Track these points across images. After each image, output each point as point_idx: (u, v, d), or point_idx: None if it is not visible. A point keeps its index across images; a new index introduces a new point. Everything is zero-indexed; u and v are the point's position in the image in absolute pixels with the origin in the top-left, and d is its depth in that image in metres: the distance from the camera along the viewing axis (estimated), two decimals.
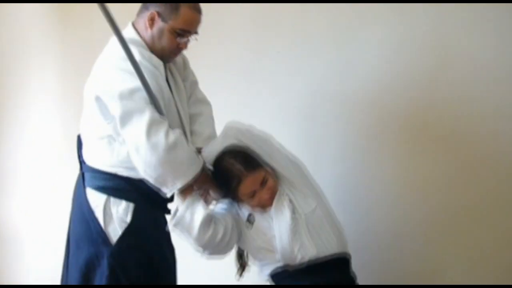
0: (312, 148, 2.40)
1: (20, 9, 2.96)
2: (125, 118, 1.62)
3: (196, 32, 1.78)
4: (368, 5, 2.21)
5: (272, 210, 1.68)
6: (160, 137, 1.59)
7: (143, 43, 1.76)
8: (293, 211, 1.66)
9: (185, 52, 1.91)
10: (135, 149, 1.62)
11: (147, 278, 1.79)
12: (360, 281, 2.33)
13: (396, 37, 2.19)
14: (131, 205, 1.75)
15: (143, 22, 1.75)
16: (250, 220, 1.72)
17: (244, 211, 1.75)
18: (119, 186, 1.75)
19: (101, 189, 1.78)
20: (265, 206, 1.70)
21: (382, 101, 2.23)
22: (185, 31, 1.74)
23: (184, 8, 1.71)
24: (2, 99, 3.07)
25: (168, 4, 1.71)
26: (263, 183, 1.67)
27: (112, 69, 1.71)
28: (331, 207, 1.80)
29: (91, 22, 2.83)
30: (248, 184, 1.66)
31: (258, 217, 1.71)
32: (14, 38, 3.00)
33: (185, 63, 2.00)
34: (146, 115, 1.60)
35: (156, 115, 1.63)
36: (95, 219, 1.78)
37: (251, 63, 2.48)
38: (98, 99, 1.70)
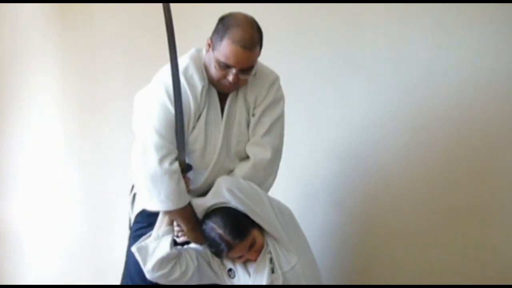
0: (311, 148, 2.40)
1: (20, 9, 2.96)
2: (137, 126, 1.74)
3: (243, 69, 1.67)
4: (369, 5, 2.21)
5: (253, 268, 1.73)
6: (154, 160, 1.64)
7: (201, 63, 1.74)
8: (272, 270, 1.70)
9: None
10: (132, 153, 1.71)
11: None
12: (361, 281, 2.34)
13: (396, 37, 2.19)
14: None
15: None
16: (230, 275, 1.78)
17: (226, 262, 1.79)
18: None
19: None
20: (249, 262, 1.76)
21: (385, 101, 2.24)
22: (226, 65, 1.65)
23: (227, 40, 1.62)
24: (2, 99, 3.07)
25: (219, 32, 1.66)
26: (251, 246, 1.71)
27: (155, 81, 1.76)
28: (314, 258, 1.82)
29: (91, 22, 2.83)
30: (237, 251, 1.70)
31: (238, 273, 1.76)
32: (14, 38, 3.00)
33: (267, 99, 1.83)
34: (154, 137, 1.66)
35: (165, 142, 1.66)
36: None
37: None
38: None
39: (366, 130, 2.27)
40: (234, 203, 1.69)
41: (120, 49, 2.79)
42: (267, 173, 1.82)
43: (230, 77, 1.66)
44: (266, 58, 2.44)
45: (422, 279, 2.20)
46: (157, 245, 1.70)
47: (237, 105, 1.80)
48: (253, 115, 1.82)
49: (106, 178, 2.90)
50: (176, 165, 1.67)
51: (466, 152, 2.11)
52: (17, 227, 3.15)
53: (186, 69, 1.71)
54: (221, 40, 1.63)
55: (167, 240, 1.70)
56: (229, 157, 1.80)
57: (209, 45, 1.70)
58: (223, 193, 1.69)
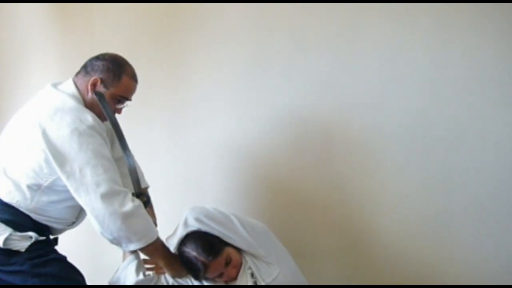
0: (311, 148, 2.40)
1: (20, 9, 2.96)
2: (80, 188, 1.71)
3: (130, 100, 1.94)
4: (369, 5, 2.21)
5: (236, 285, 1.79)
6: (117, 206, 1.70)
7: (83, 103, 1.84)
8: (255, 284, 1.77)
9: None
10: (94, 216, 1.73)
11: None
12: (361, 281, 2.34)
13: (396, 40, 2.19)
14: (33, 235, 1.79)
15: (84, 85, 1.86)
16: None
17: (206, 283, 1.84)
18: (23, 222, 1.79)
19: (6, 222, 1.77)
20: (231, 280, 1.82)
21: (384, 102, 2.23)
22: (124, 98, 1.91)
23: (126, 77, 1.89)
24: (2, 100, 3.07)
25: (111, 72, 1.86)
26: (227, 263, 1.78)
27: (73, 130, 1.73)
28: (296, 266, 1.90)
29: (91, 22, 2.83)
30: (214, 269, 1.77)
31: None
32: (14, 38, 3.00)
33: None
34: (103, 187, 1.70)
35: (118, 186, 1.73)
36: None
37: (251, 64, 2.48)
38: (47, 153, 1.72)
39: (368, 128, 2.27)
40: (204, 230, 1.78)
41: (120, 49, 2.78)
42: None
43: (121, 109, 1.92)
44: (266, 58, 2.46)
45: (424, 278, 2.20)
46: (125, 275, 1.79)
47: None
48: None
49: None
50: (137, 200, 1.76)
51: (465, 152, 2.11)
52: None
53: (94, 119, 1.78)
54: (119, 78, 1.87)
55: (133, 267, 1.79)
56: None
57: (94, 85, 1.85)
58: (192, 222, 1.79)
